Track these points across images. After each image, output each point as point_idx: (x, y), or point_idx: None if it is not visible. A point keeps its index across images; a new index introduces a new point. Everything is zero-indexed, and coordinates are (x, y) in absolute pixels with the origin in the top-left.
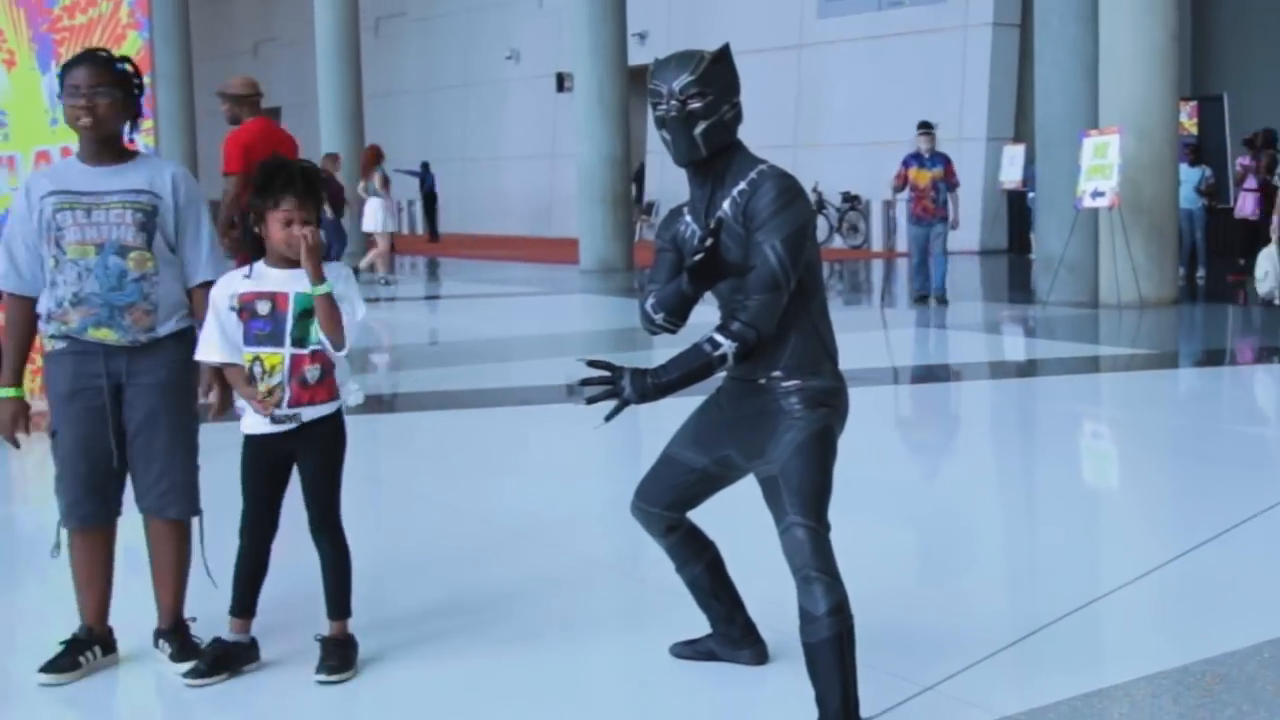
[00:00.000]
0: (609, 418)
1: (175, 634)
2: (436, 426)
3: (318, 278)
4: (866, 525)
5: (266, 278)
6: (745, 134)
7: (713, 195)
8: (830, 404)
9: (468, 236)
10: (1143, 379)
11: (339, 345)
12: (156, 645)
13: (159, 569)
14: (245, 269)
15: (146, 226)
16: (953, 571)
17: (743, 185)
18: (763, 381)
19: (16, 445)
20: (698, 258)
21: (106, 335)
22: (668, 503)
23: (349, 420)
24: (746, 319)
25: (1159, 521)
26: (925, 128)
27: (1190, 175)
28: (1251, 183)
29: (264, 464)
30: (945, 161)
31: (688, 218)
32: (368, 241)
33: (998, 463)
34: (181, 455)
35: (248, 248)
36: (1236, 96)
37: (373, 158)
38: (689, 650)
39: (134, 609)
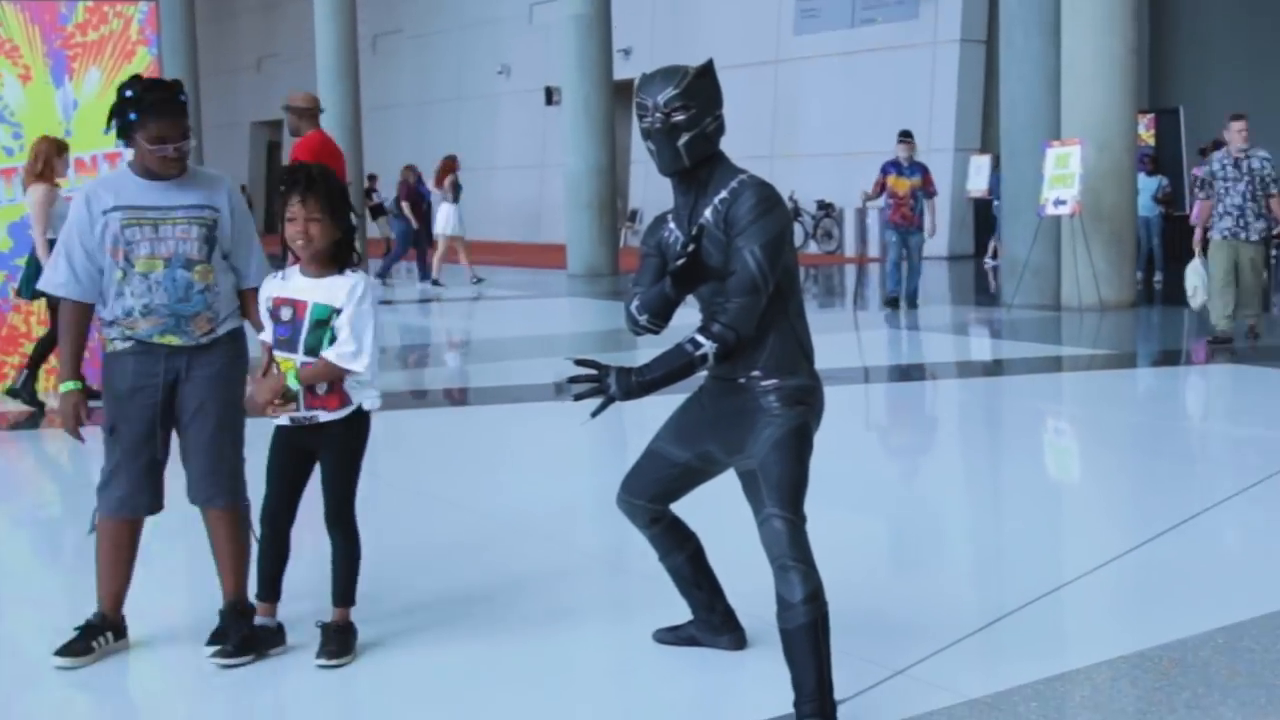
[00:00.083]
0: (595, 413)
1: (233, 614)
2: (432, 423)
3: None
4: (841, 517)
5: (293, 283)
6: (725, 145)
7: (695, 203)
8: (807, 402)
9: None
10: (1102, 378)
11: (348, 373)
12: (221, 623)
13: (218, 555)
14: (280, 272)
15: (209, 240)
16: (922, 561)
17: (724, 194)
18: (742, 380)
19: (80, 437)
20: (680, 262)
21: (172, 340)
22: (652, 495)
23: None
24: (726, 321)
25: (1118, 514)
26: (906, 136)
27: (1148, 184)
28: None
29: (287, 455)
30: (923, 171)
31: (671, 224)
32: (447, 242)
33: (965, 458)
34: (227, 446)
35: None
36: (1192, 109)
37: (448, 167)
38: (671, 636)
39: (141, 596)
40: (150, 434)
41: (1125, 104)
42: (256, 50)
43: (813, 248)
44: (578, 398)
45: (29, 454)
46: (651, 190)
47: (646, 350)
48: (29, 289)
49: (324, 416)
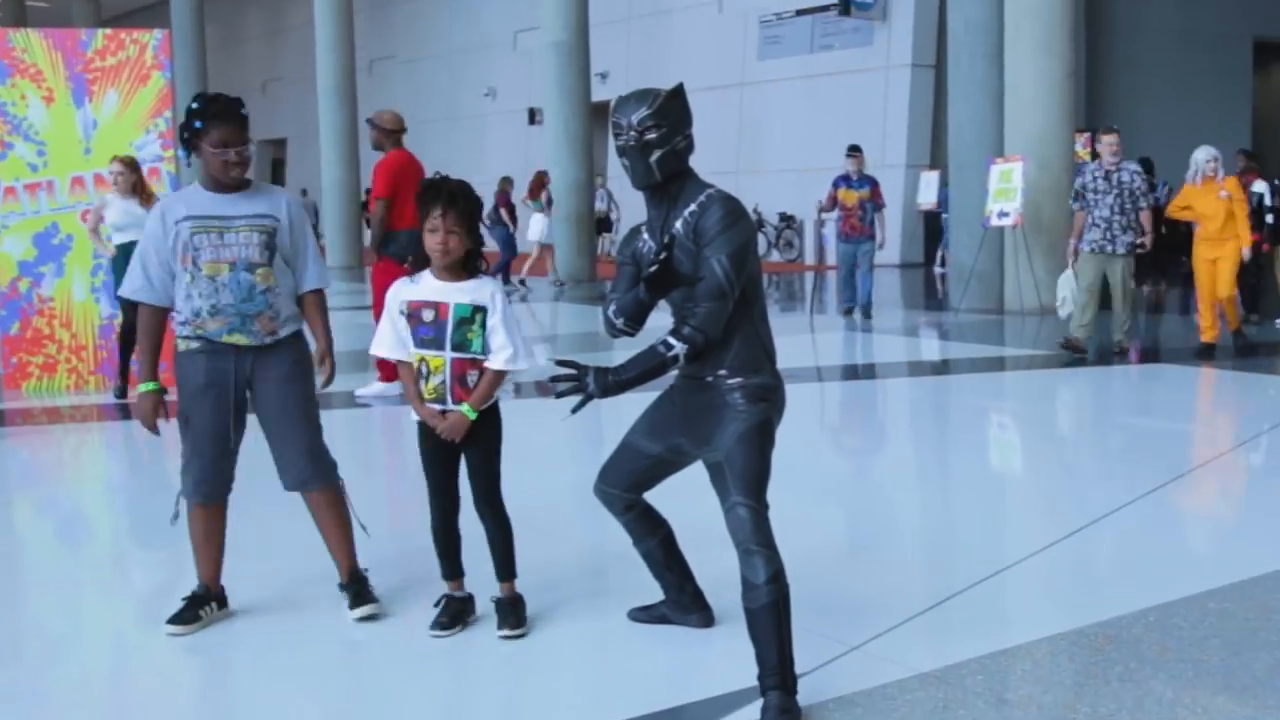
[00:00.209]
0: (575, 409)
1: (354, 584)
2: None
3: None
4: (801, 505)
5: (429, 287)
6: (695, 161)
7: (667, 215)
8: (769, 399)
9: None
10: (1042, 377)
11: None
12: (350, 591)
13: (326, 533)
14: (412, 278)
15: (269, 246)
16: (876, 545)
17: (693, 207)
18: (710, 379)
19: (157, 432)
20: (652, 269)
21: (239, 339)
22: (627, 485)
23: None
24: (696, 324)
25: (1055, 502)
26: (854, 151)
27: None
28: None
29: (432, 448)
30: (872, 183)
31: (645, 235)
32: (540, 249)
33: (915, 450)
34: (312, 435)
35: (420, 260)
36: (1126, 128)
37: (540, 182)
38: (644, 615)
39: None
40: (221, 427)
41: (1063, 123)
42: (262, 74)
43: (775, 256)
44: (559, 395)
45: (120, 443)
46: (625, 202)
47: (623, 352)
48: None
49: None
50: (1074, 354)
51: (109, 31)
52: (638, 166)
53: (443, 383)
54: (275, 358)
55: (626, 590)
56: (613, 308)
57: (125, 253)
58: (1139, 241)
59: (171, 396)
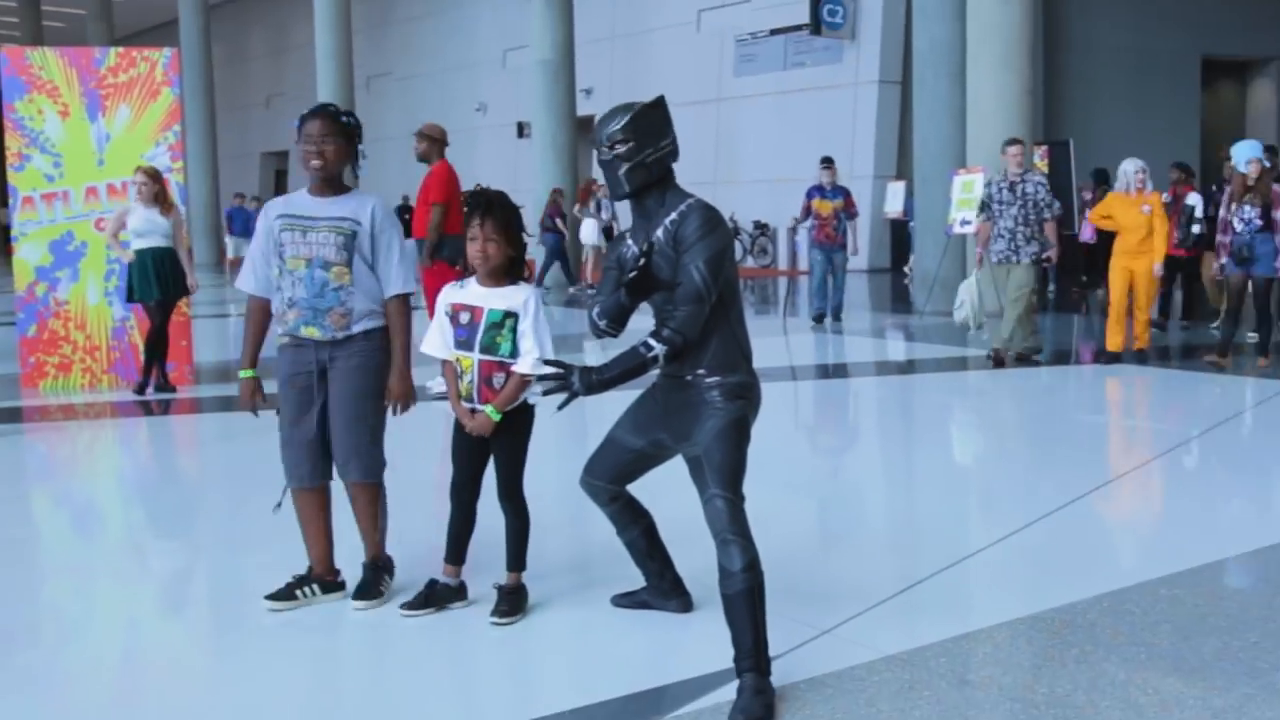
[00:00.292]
0: (561, 406)
1: (372, 571)
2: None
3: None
4: (775, 497)
5: (471, 292)
6: (675, 171)
7: (649, 223)
8: (745, 396)
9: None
10: (1003, 375)
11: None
12: (364, 577)
13: (359, 521)
14: (461, 282)
15: (347, 247)
16: (845, 535)
17: (673, 215)
18: (689, 378)
19: (255, 413)
20: (632, 275)
21: (313, 332)
22: (611, 477)
23: None
24: (675, 326)
25: (1015, 493)
26: (827, 162)
27: None
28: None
29: (464, 442)
30: (845, 193)
31: (630, 241)
32: (596, 253)
33: (882, 445)
34: (363, 429)
35: (466, 265)
36: (1081, 141)
37: (589, 189)
38: (627, 600)
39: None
40: (301, 415)
41: (1022, 136)
42: (266, 89)
43: (750, 262)
44: (546, 393)
45: (132, 438)
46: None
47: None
48: (140, 292)
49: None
50: (1025, 362)
51: (121, 50)
52: (610, 178)
53: (471, 382)
54: (346, 351)
55: (610, 578)
56: (597, 310)
57: (144, 258)
58: (1047, 255)
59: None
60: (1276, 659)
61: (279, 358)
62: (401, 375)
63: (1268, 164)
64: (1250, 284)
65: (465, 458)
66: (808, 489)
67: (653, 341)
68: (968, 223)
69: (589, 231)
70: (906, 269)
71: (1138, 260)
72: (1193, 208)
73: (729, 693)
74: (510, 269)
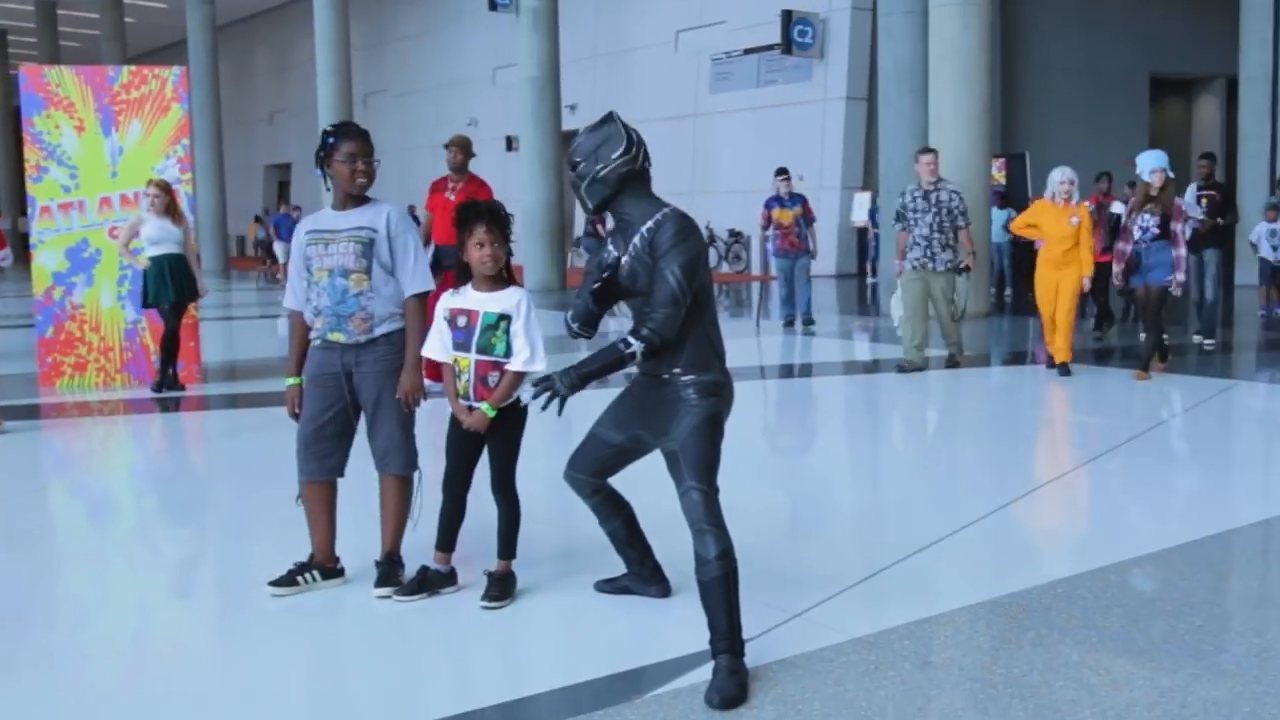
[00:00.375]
0: (546, 406)
1: (384, 565)
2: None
3: (494, 401)
4: (749, 489)
5: (468, 297)
6: (655, 181)
7: (627, 232)
8: (719, 394)
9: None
10: (964, 374)
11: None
12: (381, 569)
13: (384, 513)
14: (457, 289)
15: (365, 254)
16: (815, 524)
17: (650, 224)
18: (666, 377)
19: (295, 419)
20: (595, 285)
21: (338, 337)
22: (592, 471)
23: None
24: (653, 327)
25: (975, 485)
26: (782, 173)
27: (999, 216)
28: None
29: (459, 435)
30: (802, 200)
31: (610, 248)
32: None
33: (849, 439)
34: (392, 426)
35: (462, 272)
36: (1036, 154)
37: None
38: (609, 586)
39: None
40: (321, 413)
41: (981, 150)
42: (269, 106)
43: (725, 268)
44: (535, 397)
45: (143, 432)
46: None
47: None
48: (155, 297)
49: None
50: (912, 373)
51: (133, 68)
52: (578, 195)
53: (468, 381)
54: (371, 355)
55: (594, 565)
56: (570, 313)
57: (158, 264)
58: (964, 263)
59: None
60: (1220, 641)
61: (309, 358)
62: (412, 370)
63: (1171, 175)
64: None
65: (458, 451)
66: (779, 481)
67: (631, 339)
68: None
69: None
70: (870, 278)
71: (1063, 271)
72: (1118, 215)
73: (705, 673)
74: (501, 273)
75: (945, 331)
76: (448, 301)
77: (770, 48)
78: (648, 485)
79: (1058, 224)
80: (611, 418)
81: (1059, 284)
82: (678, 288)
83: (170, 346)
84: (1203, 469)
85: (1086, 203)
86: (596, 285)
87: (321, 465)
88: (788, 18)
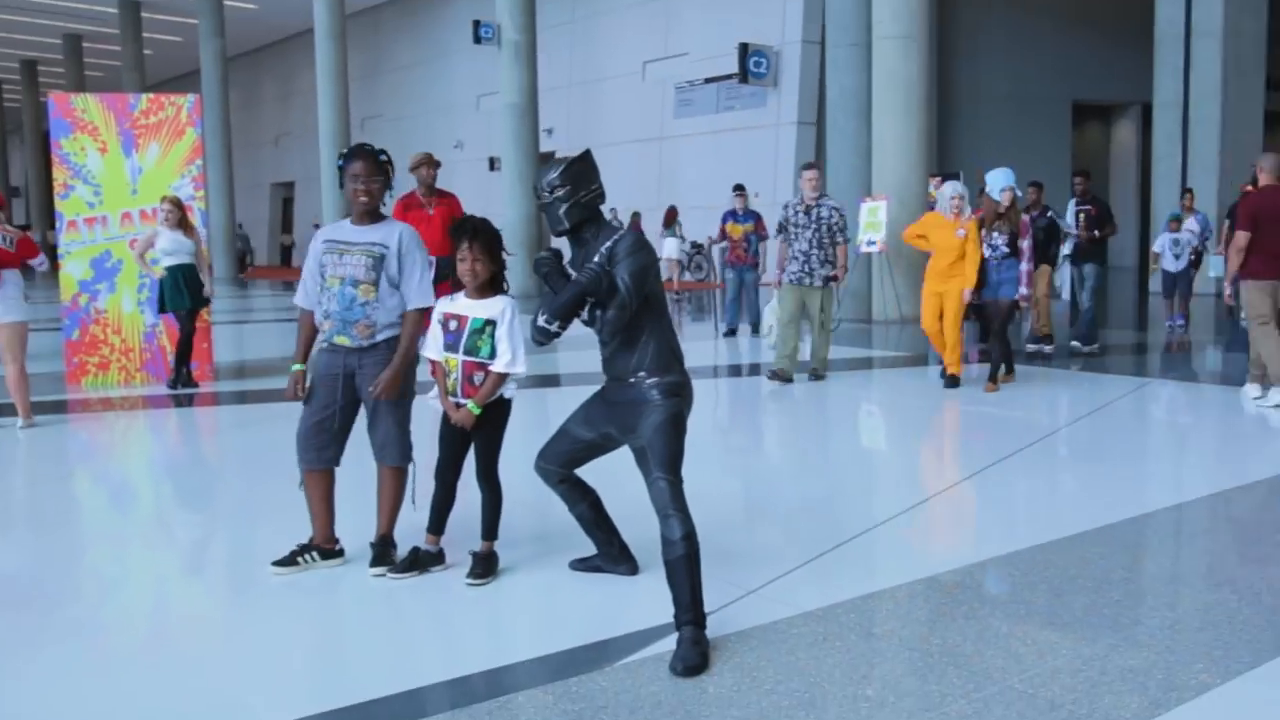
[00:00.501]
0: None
1: (379, 546)
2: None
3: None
4: (708, 478)
5: (460, 304)
6: (624, 200)
7: (586, 252)
8: (681, 394)
9: None
10: (905, 373)
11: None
12: (375, 551)
13: (381, 499)
14: (453, 295)
15: (375, 268)
16: (769, 509)
17: (609, 243)
18: (632, 380)
19: (302, 399)
20: (545, 271)
21: (343, 340)
22: (561, 462)
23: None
24: (607, 327)
25: (914, 472)
26: (739, 190)
27: None
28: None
29: (449, 429)
30: (756, 217)
31: (570, 270)
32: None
33: (799, 432)
34: (390, 423)
35: (456, 282)
36: (969, 174)
37: (672, 214)
38: (582, 564)
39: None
40: (324, 409)
41: (919, 170)
42: (274, 129)
43: (688, 277)
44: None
45: (162, 425)
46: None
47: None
48: (171, 303)
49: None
50: (782, 383)
51: (152, 96)
52: (551, 217)
53: (455, 380)
54: (372, 359)
55: (568, 546)
56: (545, 316)
57: (173, 273)
58: (833, 275)
59: None
60: (1136, 614)
61: (316, 359)
62: (394, 373)
63: (1019, 193)
64: (994, 307)
65: (449, 445)
66: (737, 471)
67: (585, 316)
68: (872, 243)
69: (670, 248)
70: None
71: (948, 283)
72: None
73: (670, 643)
74: (493, 283)
75: (814, 346)
76: (443, 307)
77: (729, 77)
78: (623, 477)
79: (945, 236)
80: (582, 416)
81: (944, 296)
82: (626, 292)
83: (184, 348)
84: (1119, 460)
85: (974, 217)
86: (545, 271)
87: (320, 456)
88: (744, 50)
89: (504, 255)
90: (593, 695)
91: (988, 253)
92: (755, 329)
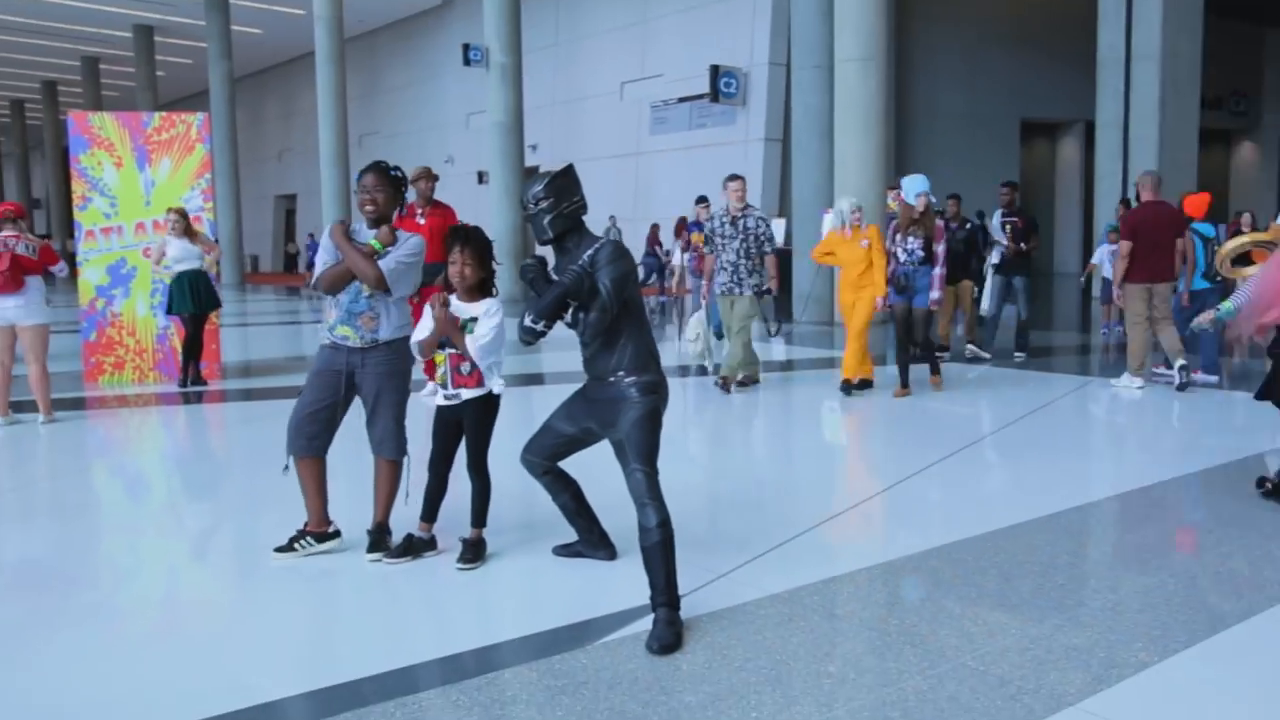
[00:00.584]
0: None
1: (376, 534)
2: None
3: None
4: (682, 470)
5: (451, 305)
6: (605, 211)
7: (569, 260)
8: (657, 392)
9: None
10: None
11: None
12: (372, 538)
13: (377, 489)
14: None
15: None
16: (738, 498)
17: (591, 251)
18: (612, 379)
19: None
20: (532, 277)
21: (348, 333)
22: (545, 455)
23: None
24: (589, 329)
25: (874, 466)
26: (702, 200)
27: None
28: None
29: (442, 424)
30: None
31: (554, 276)
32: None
33: (766, 427)
34: (387, 420)
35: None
36: None
37: (684, 225)
38: (565, 550)
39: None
40: (320, 400)
41: (878, 183)
42: (278, 145)
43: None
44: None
45: (173, 421)
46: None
47: (549, 354)
48: (177, 306)
49: (466, 394)
50: (736, 389)
51: (164, 114)
52: (537, 227)
53: (444, 372)
54: (373, 359)
55: (552, 533)
56: (530, 316)
57: (181, 279)
58: (766, 286)
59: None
60: (1080, 596)
61: (317, 355)
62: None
63: (934, 199)
64: (910, 313)
65: (442, 439)
66: (703, 463)
67: (569, 318)
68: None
69: (679, 257)
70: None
71: (860, 293)
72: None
73: (646, 624)
74: (482, 287)
75: (732, 353)
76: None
77: (700, 97)
78: (605, 470)
79: (851, 249)
80: (565, 412)
81: (855, 304)
82: (607, 295)
83: (191, 349)
84: (1063, 453)
85: (875, 224)
86: (532, 277)
87: (310, 444)
88: (715, 72)
89: (494, 264)
90: (574, 672)
91: (903, 257)
92: (718, 333)
